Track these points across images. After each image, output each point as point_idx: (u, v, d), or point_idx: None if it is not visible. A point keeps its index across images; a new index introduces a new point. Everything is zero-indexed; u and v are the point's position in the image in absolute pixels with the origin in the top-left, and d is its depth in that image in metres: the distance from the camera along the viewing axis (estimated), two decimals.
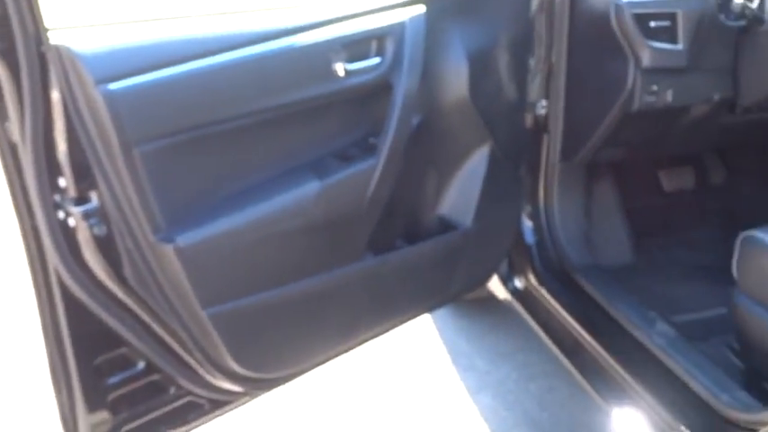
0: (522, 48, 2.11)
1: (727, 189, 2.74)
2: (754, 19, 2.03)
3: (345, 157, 1.77)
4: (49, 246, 1.48)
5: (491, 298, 2.55)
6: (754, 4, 2.03)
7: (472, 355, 2.68)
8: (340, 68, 1.68)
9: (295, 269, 1.75)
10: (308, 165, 1.72)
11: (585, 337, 2.10)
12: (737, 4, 2.04)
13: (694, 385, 1.81)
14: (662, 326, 2.04)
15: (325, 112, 1.72)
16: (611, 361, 1.99)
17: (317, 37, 1.65)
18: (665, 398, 1.83)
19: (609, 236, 2.49)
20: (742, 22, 2.07)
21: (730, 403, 1.72)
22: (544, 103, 2.22)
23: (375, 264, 1.90)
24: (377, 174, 1.78)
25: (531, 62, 2.18)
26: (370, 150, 1.78)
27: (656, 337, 1.98)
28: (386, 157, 1.77)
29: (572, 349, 2.15)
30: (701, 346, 2.00)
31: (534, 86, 2.20)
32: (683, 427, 1.74)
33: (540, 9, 2.12)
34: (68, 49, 1.36)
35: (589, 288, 2.21)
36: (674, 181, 2.72)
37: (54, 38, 1.35)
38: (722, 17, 2.08)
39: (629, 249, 2.51)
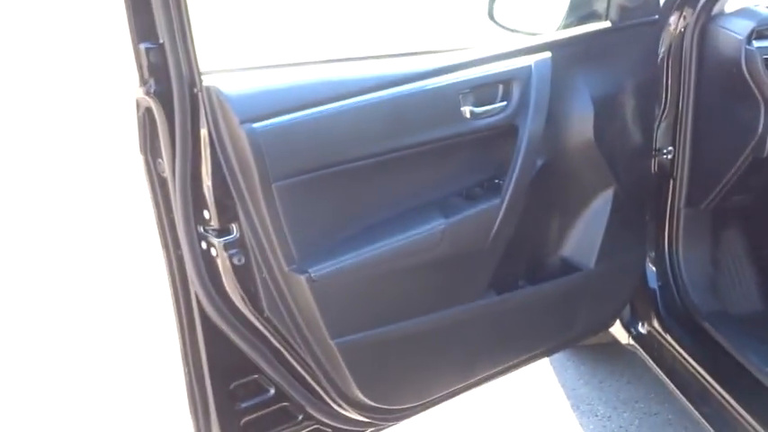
0: (648, 93, 2.08)
1: None
2: None
3: (470, 197, 1.79)
4: (191, 273, 1.56)
5: (613, 343, 2.50)
6: None
7: (593, 400, 2.62)
8: (467, 111, 1.72)
9: (420, 304, 1.78)
10: (434, 203, 1.76)
11: (714, 385, 2.02)
12: None
13: None
14: None
15: (451, 152, 1.75)
16: (741, 410, 1.91)
17: (446, 81, 1.70)
18: None
19: (737, 283, 2.41)
20: None
21: None
22: (670, 148, 2.18)
23: (497, 302, 1.91)
24: (501, 213, 1.79)
25: (658, 108, 2.15)
26: (495, 190, 1.80)
27: None
28: (510, 197, 1.79)
29: (699, 398, 2.07)
30: None
31: (660, 132, 2.17)
32: None
33: (668, 55, 2.10)
34: (218, 91, 1.46)
35: (717, 335, 2.14)
36: None
37: (205, 80, 1.45)
38: None
39: (759, 298, 2.41)
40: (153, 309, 3.09)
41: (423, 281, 1.77)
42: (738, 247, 2.43)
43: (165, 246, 1.60)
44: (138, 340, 3.04)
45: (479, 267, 1.85)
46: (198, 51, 1.42)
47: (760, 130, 2.04)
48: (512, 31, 2.07)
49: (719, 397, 2.00)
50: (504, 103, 1.77)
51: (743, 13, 2.07)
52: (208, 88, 1.45)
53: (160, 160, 1.52)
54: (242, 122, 1.46)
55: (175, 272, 1.61)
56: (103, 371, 2.89)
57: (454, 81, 1.71)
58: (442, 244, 1.73)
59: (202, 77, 1.44)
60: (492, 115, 1.76)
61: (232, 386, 1.70)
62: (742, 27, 2.02)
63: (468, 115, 1.72)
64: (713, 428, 1.99)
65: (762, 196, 2.32)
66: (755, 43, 1.99)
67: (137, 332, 3.09)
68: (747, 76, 2.01)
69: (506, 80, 1.77)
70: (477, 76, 1.74)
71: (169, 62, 1.41)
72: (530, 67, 1.79)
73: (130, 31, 1.40)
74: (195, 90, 1.44)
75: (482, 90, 1.75)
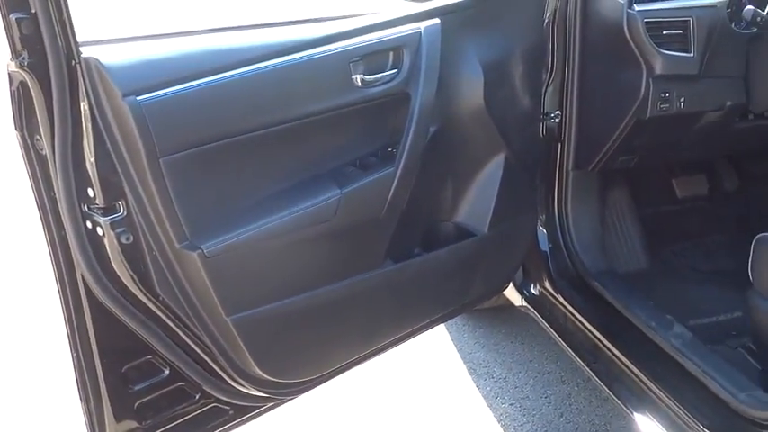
0: (536, 59, 2.13)
1: (739, 195, 2.75)
2: (765, 26, 2.04)
3: (364, 166, 1.79)
4: (77, 255, 1.51)
5: (507, 306, 2.57)
6: (766, 12, 2.05)
7: (489, 362, 2.69)
8: (358, 79, 1.71)
9: (317, 276, 1.77)
10: (329, 173, 1.75)
11: (603, 341, 2.11)
12: (749, 11, 2.04)
13: (712, 386, 1.82)
14: (679, 329, 2.05)
15: (344, 121, 1.74)
16: (630, 364, 2.00)
17: (336, 49, 1.68)
18: (684, 399, 1.83)
19: (623, 242, 2.51)
20: (753, 30, 2.08)
21: (748, 402, 1.73)
22: (558, 112, 2.24)
23: (394, 271, 1.92)
24: (395, 182, 1.80)
25: (545, 73, 2.20)
26: (389, 159, 1.80)
27: (673, 339, 1.99)
28: (403, 165, 1.80)
29: (590, 354, 2.15)
30: (717, 349, 2.01)
31: (548, 96, 2.22)
32: (702, 428, 1.74)
33: (553, 20, 2.14)
34: (98, 63, 1.39)
35: (605, 293, 2.23)
36: (687, 188, 2.74)
37: (84, 52, 1.39)
38: (733, 25, 2.10)
39: (644, 255, 2.52)
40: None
41: (320, 252, 1.76)
42: (624, 207, 2.53)
43: (48, 227, 1.54)
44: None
45: (376, 237, 1.86)
46: (75, 20, 1.35)
47: (642, 92, 2.12)
48: None
49: (609, 353, 2.09)
50: (396, 70, 1.77)
51: None
52: (86, 60, 1.39)
53: (38, 137, 1.45)
54: (125, 95, 1.41)
55: (60, 253, 1.54)
56: None
57: (344, 49, 1.69)
58: (338, 214, 1.73)
59: (81, 48, 1.38)
60: (383, 83, 1.75)
61: (124, 369, 1.65)
62: None
63: (359, 83, 1.71)
64: (604, 383, 2.07)
65: (644, 157, 2.41)
66: (636, 7, 2.07)
67: None
68: (629, 39, 2.08)
69: (397, 47, 1.77)
70: (368, 43, 1.73)
71: (43, 33, 1.34)
72: (419, 33, 1.79)
73: None
74: (73, 62, 1.38)
75: (373, 58, 1.74)
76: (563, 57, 2.19)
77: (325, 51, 1.66)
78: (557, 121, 2.24)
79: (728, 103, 2.20)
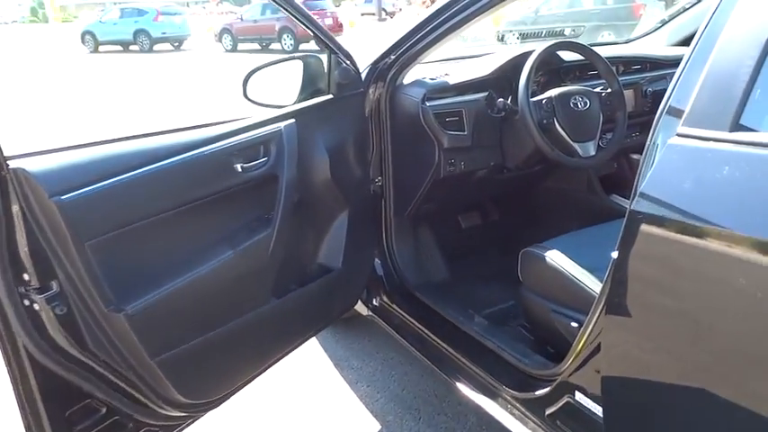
0: (362, 142, 2.05)
1: (500, 223, 2.79)
2: (510, 111, 2.07)
3: (249, 230, 1.63)
4: (18, 329, 1.25)
5: (357, 316, 2.45)
6: (510, 101, 2.08)
7: (348, 357, 2.55)
8: (239, 167, 1.56)
9: (220, 317, 1.58)
10: (222, 238, 1.57)
11: (427, 332, 2.04)
12: (500, 102, 2.07)
13: (505, 356, 1.78)
14: (477, 318, 2.02)
15: (232, 198, 1.58)
16: (447, 347, 1.94)
17: (221, 146, 1.52)
18: (487, 367, 1.79)
19: (431, 263, 2.46)
20: (502, 114, 2.10)
21: (531, 364, 1.70)
22: (380, 178, 2.17)
23: (277, 305, 1.76)
24: (273, 240, 1.65)
25: (369, 151, 2.12)
26: (267, 223, 1.65)
27: (475, 327, 1.95)
28: (278, 227, 1.66)
29: (418, 343, 2.08)
30: (503, 329, 1.99)
31: (372, 168, 2.14)
32: (503, 387, 1.70)
33: (371, 115, 2.08)
34: (24, 171, 1.17)
35: (424, 299, 2.17)
36: (467, 221, 2.74)
37: (12, 164, 1.15)
38: (489, 111, 2.11)
39: (445, 269, 2.49)
40: None
41: (220, 299, 1.57)
42: (430, 239, 2.49)
43: None
44: None
45: (262, 282, 1.69)
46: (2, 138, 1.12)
47: (436, 160, 2.09)
48: (261, 105, 1.92)
49: (432, 341, 2.02)
50: (266, 158, 1.63)
51: (417, 83, 2.10)
52: (15, 170, 1.16)
53: None
54: (50, 196, 1.18)
55: (2, 329, 1.27)
56: None
57: (227, 145, 1.54)
58: (232, 269, 1.55)
59: (9, 162, 1.15)
60: (258, 168, 1.61)
61: (67, 414, 1.38)
62: (417, 93, 2.05)
63: (240, 170, 1.56)
64: (431, 362, 2.00)
65: (440, 203, 2.39)
66: (428, 103, 2.03)
67: None
68: (424, 124, 2.04)
69: (265, 141, 1.63)
70: (244, 140, 1.58)
71: None
72: (281, 130, 1.66)
73: None
74: (3, 173, 1.14)
75: (248, 151, 1.60)
76: (379, 140, 2.12)
77: (214, 148, 1.50)
78: (379, 183, 2.17)
79: (491, 163, 2.21)
